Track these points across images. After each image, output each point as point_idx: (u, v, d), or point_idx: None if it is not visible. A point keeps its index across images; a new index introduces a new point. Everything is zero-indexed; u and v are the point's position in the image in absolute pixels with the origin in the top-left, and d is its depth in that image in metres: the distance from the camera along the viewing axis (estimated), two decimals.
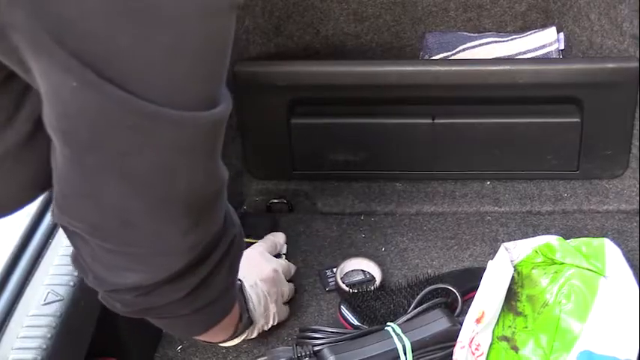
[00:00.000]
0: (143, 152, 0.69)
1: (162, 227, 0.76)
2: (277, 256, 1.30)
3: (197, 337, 1.02)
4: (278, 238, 1.32)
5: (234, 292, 0.97)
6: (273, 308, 1.17)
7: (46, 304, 1.03)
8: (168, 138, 0.69)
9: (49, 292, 1.04)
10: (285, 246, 1.35)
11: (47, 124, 0.69)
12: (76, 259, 0.83)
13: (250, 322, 1.12)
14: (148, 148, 0.69)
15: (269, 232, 1.34)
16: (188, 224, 0.77)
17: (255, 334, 1.15)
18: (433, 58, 1.53)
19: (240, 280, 1.10)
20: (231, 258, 0.88)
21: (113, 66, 0.64)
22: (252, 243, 1.27)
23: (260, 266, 1.19)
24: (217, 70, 0.71)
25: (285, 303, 1.23)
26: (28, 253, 1.10)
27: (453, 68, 1.44)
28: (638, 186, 1.46)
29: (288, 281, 1.26)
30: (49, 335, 0.99)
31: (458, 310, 1.19)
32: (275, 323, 1.18)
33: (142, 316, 0.87)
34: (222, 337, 1.07)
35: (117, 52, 0.64)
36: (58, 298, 1.03)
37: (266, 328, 1.17)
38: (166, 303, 0.84)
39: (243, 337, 1.12)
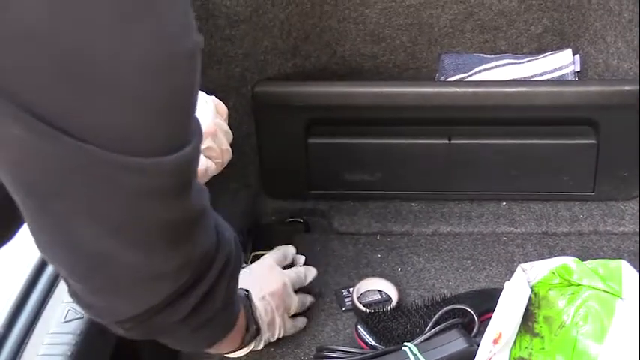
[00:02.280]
0: (108, 198, 0.69)
1: (141, 259, 0.75)
2: (289, 266, 1.30)
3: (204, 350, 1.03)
4: (289, 249, 1.32)
5: (235, 309, 0.98)
6: (279, 322, 1.18)
7: (66, 321, 1.03)
8: (130, 185, 0.68)
9: (69, 310, 1.05)
10: (303, 258, 1.35)
11: (6, 182, 0.68)
12: (74, 294, 0.82)
13: (257, 333, 1.13)
14: (111, 194, 0.68)
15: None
16: (167, 251, 0.77)
17: (261, 346, 1.16)
18: (449, 79, 1.53)
19: (247, 291, 1.11)
20: (228, 276, 0.88)
21: (62, 118, 0.63)
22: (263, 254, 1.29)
23: (269, 279, 1.20)
24: (178, 115, 0.70)
25: (296, 315, 1.24)
26: (49, 270, 1.11)
27: (469, 89, 1.45)
28: None
29: (305, 289, 1.27)
30: (69, 353, 0.99)
31: (475, 331, 1.19)
32: (280, 336, 1.19)
33: (146, 337, 0.87)
34: (229, 348, 1.08)
35: (62, 108, 0.63)
36: (79, 315, 1.04)
37: (272, 340, 1.18)
38: (166, 326, 0.84)
39: (250, 347, 1.13)
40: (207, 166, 1.16)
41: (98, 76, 0.62)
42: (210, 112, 1.17)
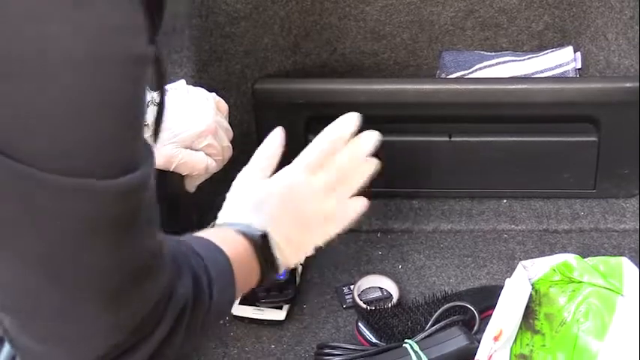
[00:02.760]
0: (35, 224, 0.60)
1: (71, 308, 0.65)
2: None
3: None
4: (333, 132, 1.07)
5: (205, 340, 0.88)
6: (303, 256, 1.01)
7: None
8: (61, 209, 0.59)
9: None
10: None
11: None
12: (4, 330, 0.69)
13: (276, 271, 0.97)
14: (39, 219, 0.59)
15: None
16: (104, 305, 0.66)
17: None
18: (450, 76, 1.53)
19: (265, 235, 0.95)
20: (184, 328, 0.75)
21: None
22: None
23: (294, 210, 1.01)
24: (118, 129, 0.61)
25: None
26: None
27: (470, 87, 1.45)
28: None
29: None
30: None
31: (475, 328, 1.18)
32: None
33: None
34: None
35: None
36: None
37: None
38: None
39: None
40: (207, 163, 1.16)
41: (24, 73, 0.56)
42: (210, 109, 1.17)
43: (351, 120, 1.06)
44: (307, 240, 1.01)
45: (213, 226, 0.99)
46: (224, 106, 1.20)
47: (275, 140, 1.07)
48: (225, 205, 1.02)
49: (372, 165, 1.06)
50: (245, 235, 0.94)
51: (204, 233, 0.91)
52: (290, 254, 0.98)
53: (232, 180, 1.45)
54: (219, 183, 1.27)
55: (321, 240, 1.02)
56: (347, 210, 1.04)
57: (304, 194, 1.02)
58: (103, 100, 0.59)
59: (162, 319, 0.72)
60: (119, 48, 0.60)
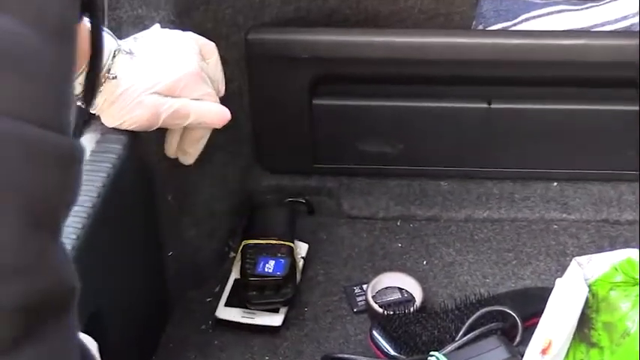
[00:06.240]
0: None
1: None
2: None
3: None
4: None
5: None
6: None
7: None
8: None
9: None
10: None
11: None
12: None
13: None
14: None
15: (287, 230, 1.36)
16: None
17: None
18: (489, 29, 1.52)
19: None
20: None
21: None
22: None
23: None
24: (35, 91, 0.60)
25: None
26: None
27: (514, 41, 1.44)
28: None
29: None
30: None
31: (518, 339, 1.20)
32: None
33: None
34: None
35: None
36: None
37: None
38: None
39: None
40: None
41: None
42: (193, 53, 1.17)
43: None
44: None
45: None
46: (211, 50, 1.20)
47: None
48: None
49: None
50: None
51: None
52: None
53: (218, 153, 1.45)
54: (201, 159, 1.27)
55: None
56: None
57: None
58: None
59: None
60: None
